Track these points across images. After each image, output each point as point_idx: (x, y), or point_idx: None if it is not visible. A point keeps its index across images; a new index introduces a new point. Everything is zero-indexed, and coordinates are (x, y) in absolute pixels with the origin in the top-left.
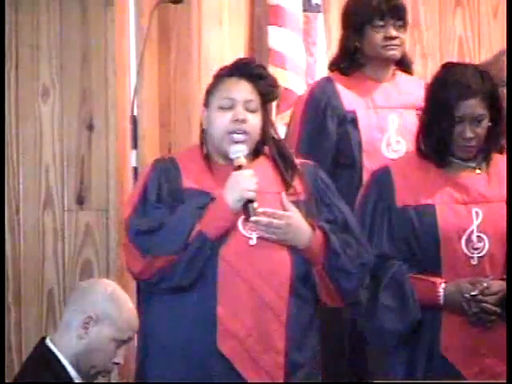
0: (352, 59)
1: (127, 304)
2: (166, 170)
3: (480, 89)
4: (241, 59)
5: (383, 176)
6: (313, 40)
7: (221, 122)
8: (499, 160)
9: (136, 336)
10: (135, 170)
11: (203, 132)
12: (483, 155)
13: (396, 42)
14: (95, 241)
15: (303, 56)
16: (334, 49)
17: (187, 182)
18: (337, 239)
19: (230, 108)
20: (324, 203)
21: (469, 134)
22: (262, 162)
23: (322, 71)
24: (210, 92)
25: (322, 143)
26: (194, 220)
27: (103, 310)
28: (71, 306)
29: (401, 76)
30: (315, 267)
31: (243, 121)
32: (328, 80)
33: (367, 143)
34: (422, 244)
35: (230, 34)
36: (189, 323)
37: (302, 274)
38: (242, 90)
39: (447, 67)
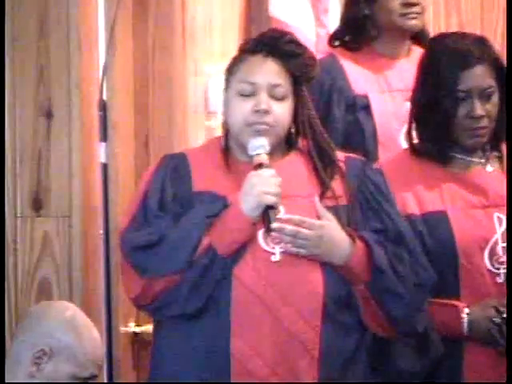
0: (360, 31)
1: (90, 333)
2: (173, 169)
3: (485, 55)
4: (268, 31)
5: None
6: (324, 6)
7: (239, 111)
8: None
9: None
10: (104, 167)
11: (225, 120)
12: (490, 145)
13: (416, 9)
14: (55, 255)
15: (312, 26)
16: None
17: (198, 185)
18: (384, 253)
19: (252, 94)
20: (371, 209)
21: (479, 111)
22: (295, 158)
23: None
24: (229, 71)
25: (328, 133)
26: (202, 231)
27: (58, 341)
28: (20, 336)
29: (417, 51)
30: (357, 287)
31: (266, 112)
32: (332, 57)
33: (383, 134)
34: (435, 261)
35: (222, 0)
36: (197, 359)
37: (339, 297)
38: (267, 72)
39: (441, 37)
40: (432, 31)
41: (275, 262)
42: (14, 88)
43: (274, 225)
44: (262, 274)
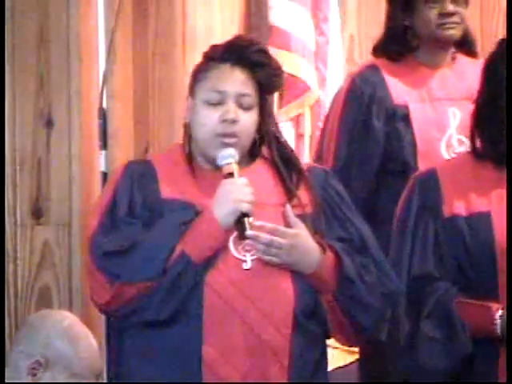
0: (401, 42)
1: (87, 342)
2: (140, 175)
3: None
4: (236, 39)
5: (428, 180)
6: (324, 15)
7: (207, 120)
8: None
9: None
10: (104, 175)
11: (187, 127)
12: None
13: (454, 18)
14: (55, 263)
15: (312, 35)
16: (350, 26)
17: (166, 191)
18: (352, 263)
19: (219, 103)
20: (336, 218)
21: None
22: (260, 166)
23: (335, 54)
24: (196, 78)
25: (367, 145)
26: (176, 238)
27: (55, 350)
28: (17, 346)
29: (462, 60)
30: (324, 297)
31: (234, 121)
32: (372, 67)
33: (423, 144)
34: (474, 262)
35: (222, 8)
36: (167, 367)
37: (308, 306)
38: (236, 81)
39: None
40: None
41: (247, 269)
42: (14, 96)
43: (249, 232)
44: (234, 282)
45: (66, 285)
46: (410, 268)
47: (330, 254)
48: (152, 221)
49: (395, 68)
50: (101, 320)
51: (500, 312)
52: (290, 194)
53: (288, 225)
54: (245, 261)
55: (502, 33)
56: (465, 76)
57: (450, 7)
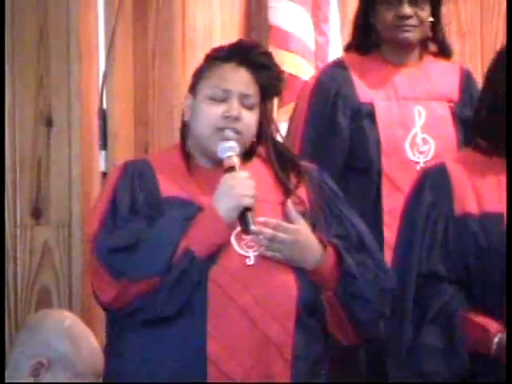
0: (366, 38)
1: (88, 341)
2: (139, 174)
3: None
4: (242, 41)
5: (438, 174)
6: (324, 15)
7: (209, 115)
8: None
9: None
10: (104, 175)
11: (185, 125)
12: None
13: (411, 21)
14: (55, 263)
15: (312, 35)
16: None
17: (166, 190)
18: (352, 259)
19: (223, 100)
20: (333, 215)
21: None
22: (257, 165)
23: (335, 54)
24: (199, 76)
25: (332, 142)
26: (180, 235)
27: (56, 351)
28: (18, 347)
29: (429, 60)
30: (325, 294)
31: (236, 118)
32: (339, 64)
33: (387, 142)
34: (485, 264)
35: (222, 8)
36: (172, 364)
37: (310, 302)
38: (240, 81)
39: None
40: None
41: (250, 265)
42: (14, 96)
43: (253, 228)
44: (238, 277)
45: (65, 285)
46: (417, 265)
47: (330, 251)
48: (153, 219)
49: (362, 65)
50: (101, 320)
51: (497, 337)
52: (287, 192)
53: (289, 221)
54: (248, 257)
55: (502, 33)
56: (431, 76)
57: (407, 10)
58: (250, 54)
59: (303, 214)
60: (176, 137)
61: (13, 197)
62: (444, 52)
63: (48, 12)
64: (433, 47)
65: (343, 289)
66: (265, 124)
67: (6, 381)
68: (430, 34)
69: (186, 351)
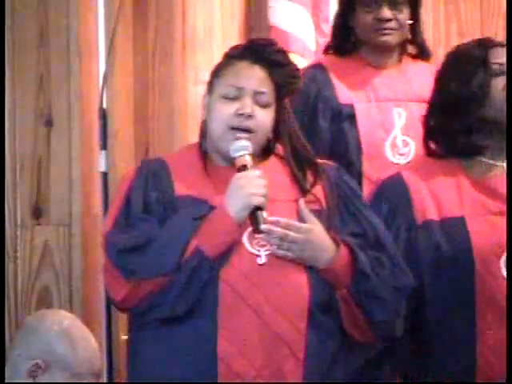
0: (344, 40)
1: (86, 342)
2: (153, 174)
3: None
4: (257, 39)
5: (396, 185)
6: (324, 15)
7: (222, 113)
8: None
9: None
10: (104, 175)
11: (203, 124)
12: None
13: (391, 24)
14: (55, 263)
15: (312, 35)
16: None
17: (180, 189)
18: (366, 257)
19: (236, 98)
20: (349, 213)
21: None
22: (273, 163)
23: None
24: (215, 75)
25: (312, 144)
26: (190, 234)
27: (53, 352)
28: (16, 348)
29: (408, 62)
30: (339, 291)
31: (249, 116)
32: (318, 66)
33: (368, 144)
34: (450, 267)
35: (222, 8)
36: (183, 363)
37: (323, 300)
38: (254, 79)
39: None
40: (432, 38)
41: (261, 264)
42: (14, 96)
43: (264, 226)
44: (249, 277)
45: (66, 285)
46: None
47: (344, 249)
48: (166, 217)
49: (342, 67)
50: (101, 320)
51: None
52: (303, 190)
53: (302, 220)
54: (259, 256)
55: (502, 33)
56: (410, 77)
57: (387, 13)
58: (265, 51)
59: (318, 213)
60: (176, 136)
61: (13, 197)
62: (423, 54)
63: (48, 12)
64: (412, 49)
65: (357, 287)
66: (282, 122)
67: (6, 381)
68: (409, 37)
69: (197, 351)
